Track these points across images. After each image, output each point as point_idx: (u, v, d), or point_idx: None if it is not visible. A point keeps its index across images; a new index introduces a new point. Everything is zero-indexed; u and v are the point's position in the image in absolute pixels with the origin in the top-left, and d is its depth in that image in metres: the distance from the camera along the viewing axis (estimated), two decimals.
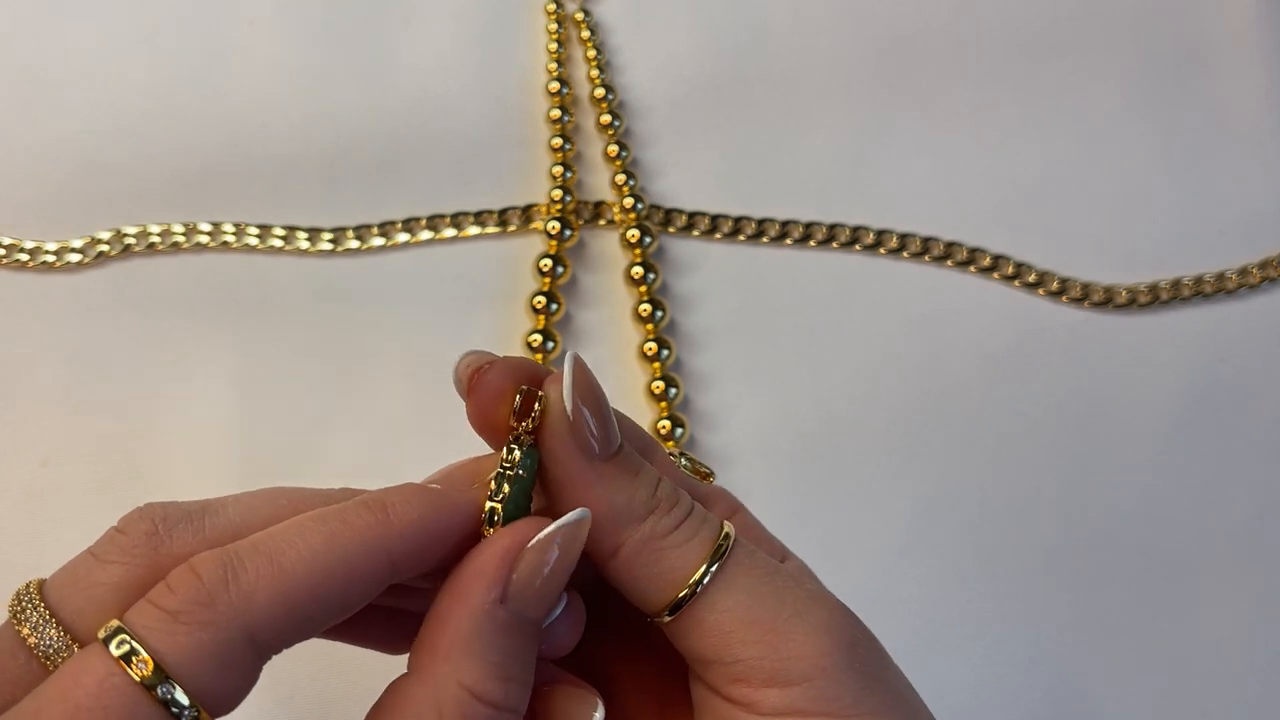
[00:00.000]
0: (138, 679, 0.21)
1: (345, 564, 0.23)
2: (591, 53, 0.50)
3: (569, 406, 0.26)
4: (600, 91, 0.49)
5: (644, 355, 0.44)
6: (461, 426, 0.46)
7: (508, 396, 0.26)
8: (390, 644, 0.28)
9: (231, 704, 0.22)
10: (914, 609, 0.41)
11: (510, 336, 0.45)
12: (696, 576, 0.26)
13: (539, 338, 0.44)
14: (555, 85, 0.49)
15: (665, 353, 0.44)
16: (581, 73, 0.50)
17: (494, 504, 0.25)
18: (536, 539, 0.25)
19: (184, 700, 0.21)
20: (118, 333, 0.44)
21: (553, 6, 0.50)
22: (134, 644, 0.21)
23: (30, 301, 0.45)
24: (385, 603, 0.26)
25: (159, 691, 0.21)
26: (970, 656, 0.41)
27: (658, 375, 0.44)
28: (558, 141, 0.47)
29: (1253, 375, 0.46)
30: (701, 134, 0.49)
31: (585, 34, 0.50)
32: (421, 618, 0.25)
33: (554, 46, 0.50)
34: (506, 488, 0.25)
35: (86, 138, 0.47)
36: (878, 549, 0.42)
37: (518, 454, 0.26)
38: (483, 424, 0.26)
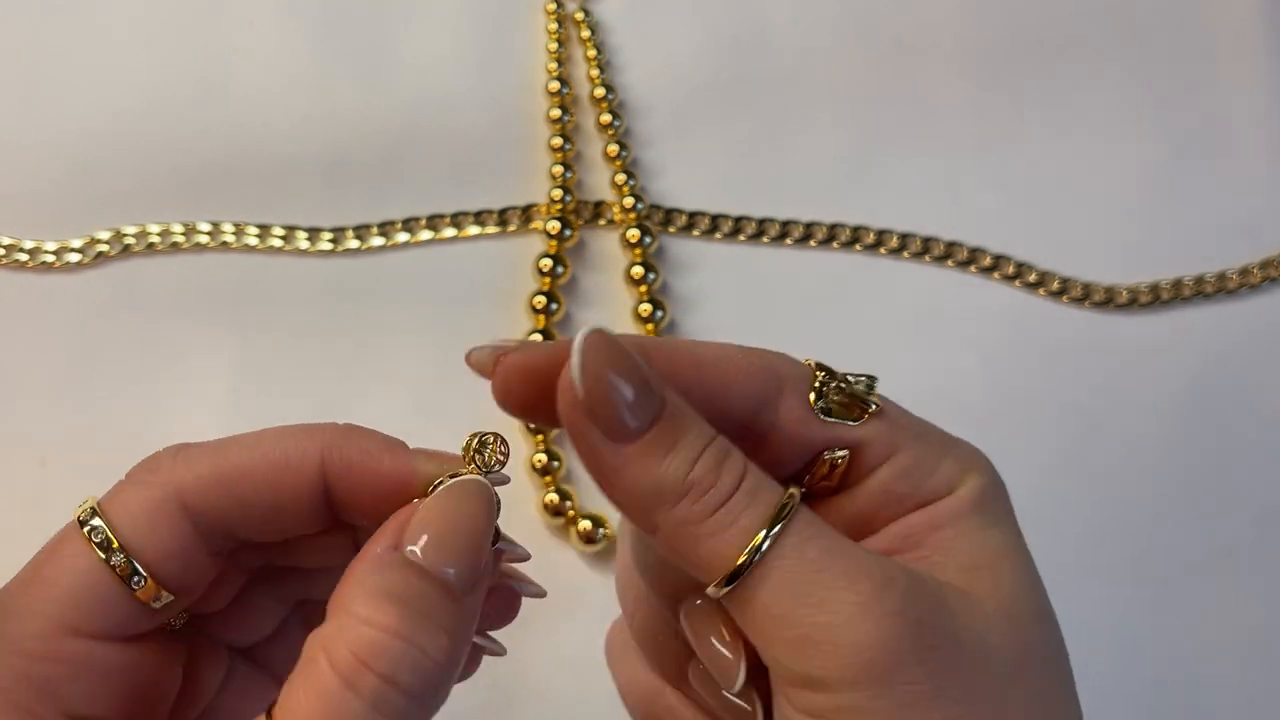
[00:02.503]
0: (76, 517, 0.26)
1: (282, 456, 0.26)
2: (591, 52, 0.50)
3: (580, 389, 0.24)
4: (600, 91, 0.49)
5: None
6: (461, 425, 0.46)
7: (533, 374, 0.26)
8: None
9: (174, 572, 0.26)
10: None
11: (510, 336, 0.45)
12: (734, 567, 0.24)
13: (539, 338, 0.44)
14: (555, 85, 0.49)
15: None
16: (581, 72, 0.50)
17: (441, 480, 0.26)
18: (437, 506, 0.25)
19: (113, 540, 0.25)
20: (117, 333, 0.44)
21: (553, 6, 0.50)
22: (93, 504, 0.26)
23: (30, 301, 0.45)
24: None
25: (89, 528, 0.25)
26: None
27: None
28: (558, 141, 0.47)
29: (1253, 375, 0.46)
30: (702, 134, 0.49)
31: (585, 34, 0.50)
32: None
33: (554, 46, 0.49)
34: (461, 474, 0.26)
35: (86, 137, 0.47)
36: None
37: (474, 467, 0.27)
38: (507, 403, 0.27)
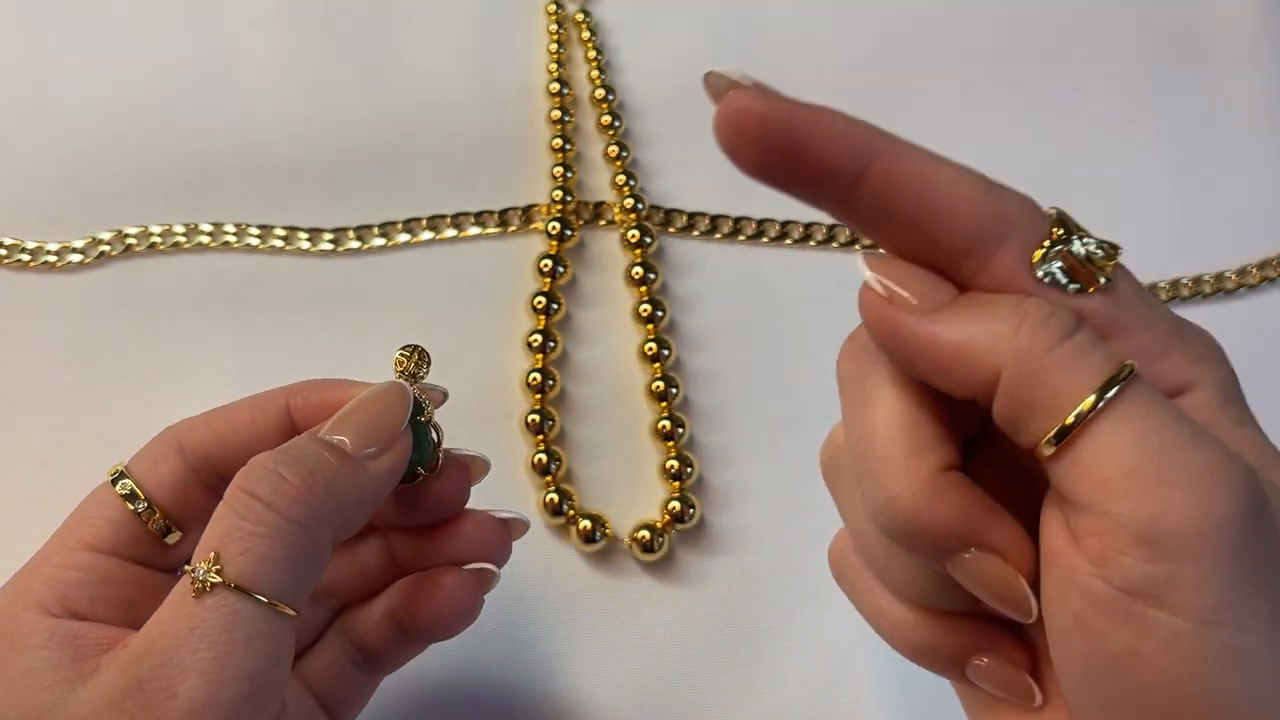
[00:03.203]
0: (108, 477, 0.32)
1: (254, 399, 0.32)
2: (592, 54, 0.50)
3: (880, 289, 0.25)
4: (600, 92, 0.49)
5: (644, 355, 0.44)
6: (460, 425, 0.46)
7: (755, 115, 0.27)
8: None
9: (169, 499, 0.31)
10: None
11: (510, 336, 0.45)
12: (1084, 407, 0.23)
13: (539, 338, 0.44)
14: (555, 86, 0.49)
15: (665, 353, 0.44)
16: (582, 74, 0.50)
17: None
18: (350, 403, 0.31)
19: (121, 471, 0.31)
20: (119, 332, 0.44)
21: (553, 7, 0.50)
22: (122, 467, 0.32)
23: (32, 301, 0.45)
24: None
25: (117, 482, 0.31)
26: None
27: (658, 375, 0.44)
28: (558, 142, 0.48)
29: (1252, 376, 0.46)
30: (702, 134, 0.48)
31: (585, 35, 0.50)
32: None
33: (554, 47, 0.50)
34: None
35: (88, 138, 0.47)
36: None
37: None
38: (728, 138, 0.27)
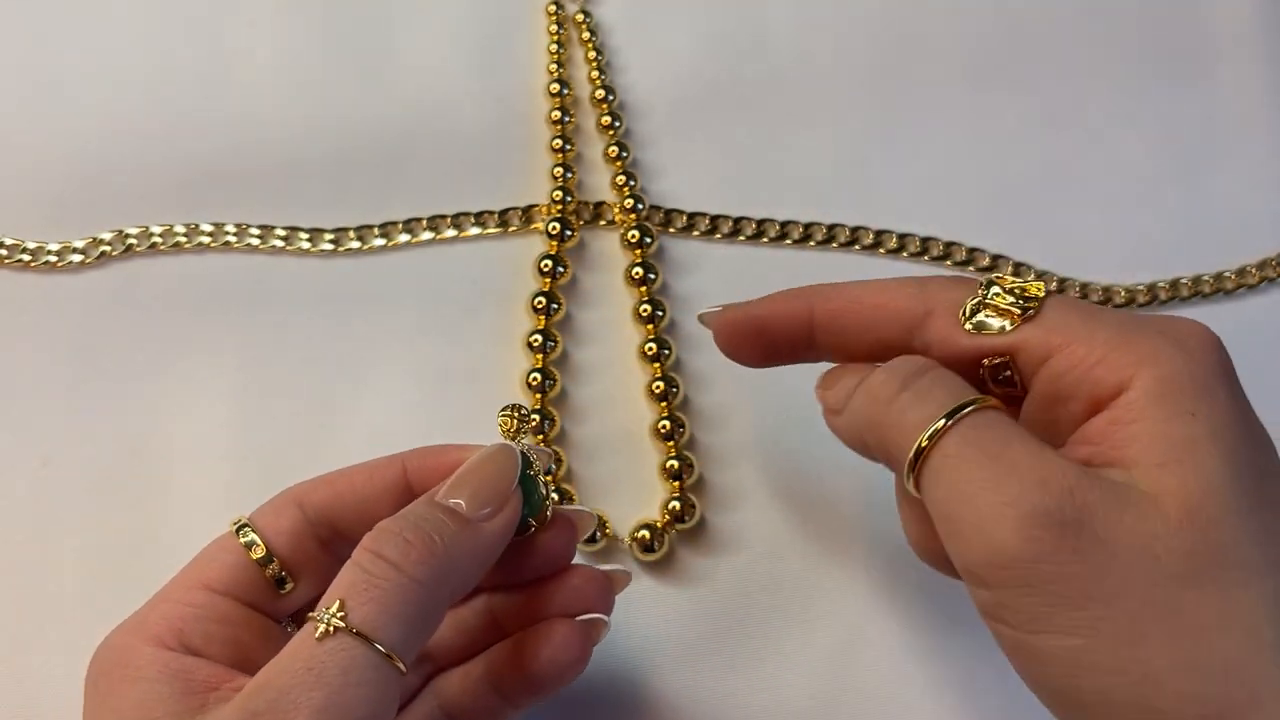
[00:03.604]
0: (231, 526, 0.33)
1: (372, 462, 0.34)
2: (592, 54, 0.50)
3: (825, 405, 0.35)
4: (600, 93, 0.49)
5: (644, 355, 0.44)
6: (461, 425, 0.46)
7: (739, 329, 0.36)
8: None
9: (286, 548, 0.33)
10: (920, 606, 0.41)
11: (511, 336, 0.45)
12: (922, 443, 0.28)
13: (539, 338, 0.44)
14: (556, 86, 0.49)
15: (665, 353, 0.44)
16: (582, 74, 0.50)
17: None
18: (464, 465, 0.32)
19: (254, 538, 0.33)
20: (120, 332, 0.44)
21: (553, 7, 0.50)
22: (245, 519, 0.33)
23: (33, 301, 0.45)
24: None
25: (240, 531, 0.33)
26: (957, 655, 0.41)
27: (658, 375, 0.44)
28: (558, 143, 0.48)
29: (1251, 376, 0.46)
30: (702, 134, 0.49)
31: (586, 35, 0.50)
32: None
33: (554, 48, 0.50)
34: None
35: (88, 138, 0.47)
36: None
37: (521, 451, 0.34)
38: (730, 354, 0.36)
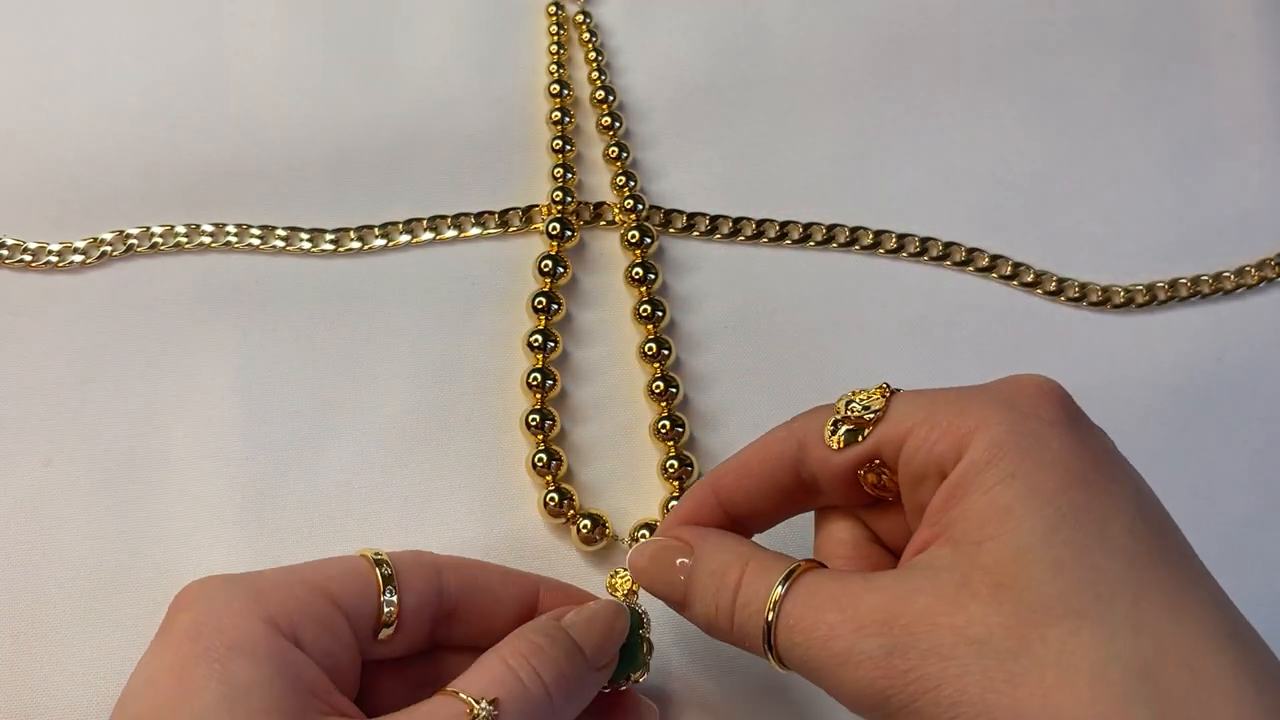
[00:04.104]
0: (369, 555, 0.34)
1: (510, 573, 0.36)
2: (592, 54, 0.50)
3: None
4: (601, 93, 0.49)
5: (644, 355, 0.44)
6: (461, 426, 0.46)
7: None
8: None
9: (408, 615, 0.33)
10: None
11: (511, 337, 0.45)
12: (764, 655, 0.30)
13: (539, 338, 0.44)
14: (556, 87, 0.49)
15: (665, 353, 0.44)
16: (582, 74, 0.50)
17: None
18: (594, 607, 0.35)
19: (391, 572, 0.33)
20: (121, 332, 0.44)
21: (553, 8, 0.50)
22: (385, 556, 0.34)
23: (34, 301, 0.45)
24: None
25: (378, 564, 0.33)
26: None
27: (658, 375, 0.44)
28: (558, 143, 0.48)
29: (1250, 375, 0.46)
30: (701, 135, 0.49)
31: (586, 35, 0.50)
32: None
33: (554, 48, 0.50)
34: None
35: (89, 138, 0.47)
36: None
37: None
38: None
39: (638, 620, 0.36)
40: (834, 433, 0.32)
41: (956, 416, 0.29)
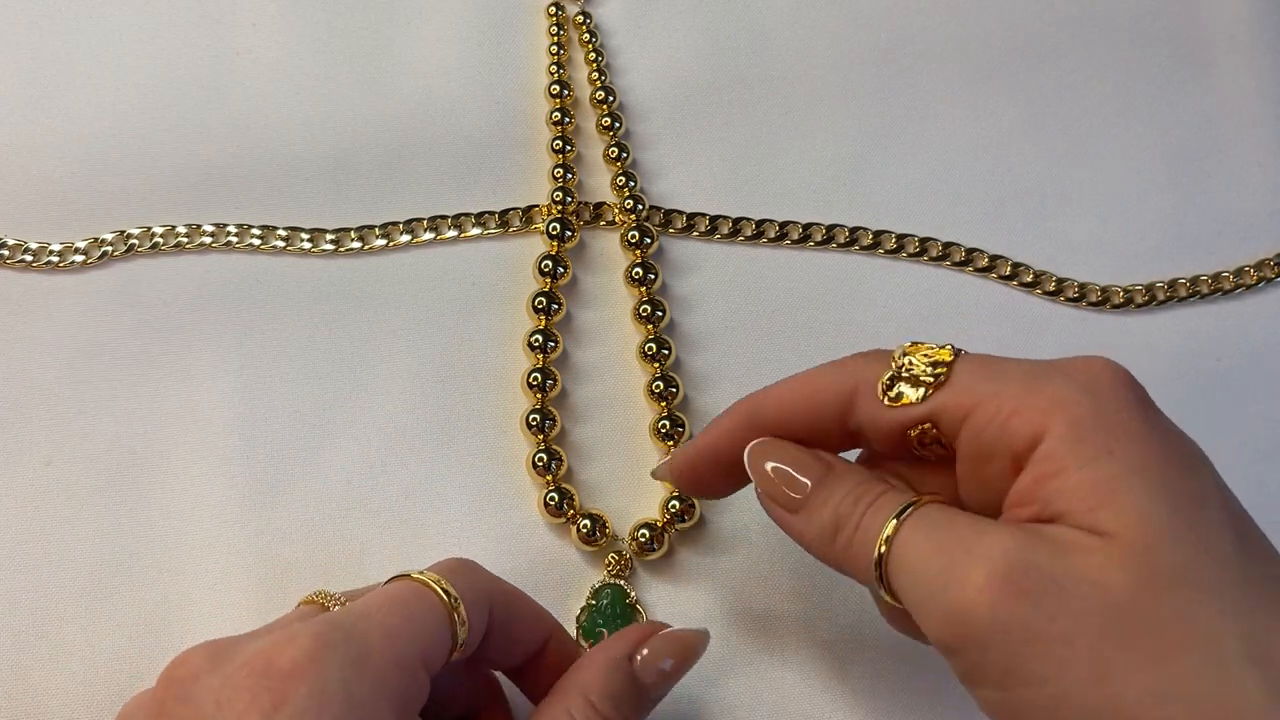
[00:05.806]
0: (446, 600, 0.32)
1: (557, 633, 0.36)
2: (592, 55, 0.50)
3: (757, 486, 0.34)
4: (601, 94, 0.49)
5: (644, 355, 0.44)
6: (461, 426, 0.46)
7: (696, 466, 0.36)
8: None
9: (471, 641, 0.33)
10: None
11: (511, 337, 0.45)
12: (881, 551, 0.30)
13: (539, 338, 0.44)
14: (556, 88, 0.49)
15: (665, 353, 0.44)
16: (582, 75, 0.50)
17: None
18: (666, 634, 0.35)
19: (456, 599, 0.32)
20: (121, 332, 0.44)
21: (553, 8, 0.50)
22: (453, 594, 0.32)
23: (35, 301, 0.45)
24: None
25: (441, 588, 0.32)
26: None
27: (658, 375, 0.44)
28: (558, 144, 0.48)
29: (1249, 375, 0.46)
30: (701, 136, 0.49)
31: (586, 36, 0.50)
32: None
33: (554, 49, 0.50)
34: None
35: (90, 139, 0.48)
36: None
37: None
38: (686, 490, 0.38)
39: (622, 592, 0.38)
40: (890, 388, 0.31)
41: (1030, 395, 0.29)
